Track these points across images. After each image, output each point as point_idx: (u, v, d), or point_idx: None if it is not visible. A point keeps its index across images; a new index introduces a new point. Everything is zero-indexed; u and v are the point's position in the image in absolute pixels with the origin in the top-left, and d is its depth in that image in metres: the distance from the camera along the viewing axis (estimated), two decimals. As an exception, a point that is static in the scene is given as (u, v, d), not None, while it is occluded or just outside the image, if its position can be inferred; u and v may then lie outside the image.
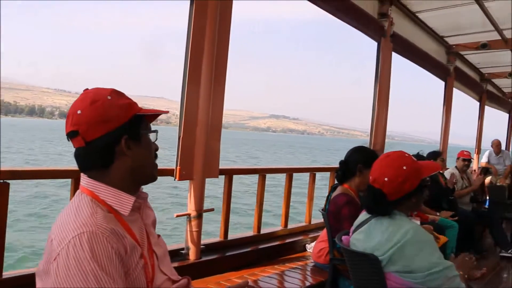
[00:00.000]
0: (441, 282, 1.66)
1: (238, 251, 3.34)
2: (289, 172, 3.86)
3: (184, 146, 2.82)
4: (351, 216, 2.53)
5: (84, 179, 1.27)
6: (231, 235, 3.47)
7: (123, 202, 1.25)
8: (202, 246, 3.05)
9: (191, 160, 2.86)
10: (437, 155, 5.58)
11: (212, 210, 3.20)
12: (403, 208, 1.81)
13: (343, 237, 1.99)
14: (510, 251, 5.70)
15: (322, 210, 2.89)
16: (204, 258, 3.02)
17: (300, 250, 3.82)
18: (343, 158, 2.86)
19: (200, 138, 2.86)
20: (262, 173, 3.59)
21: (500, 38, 6.03)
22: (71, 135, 1.23)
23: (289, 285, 3.03)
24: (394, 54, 5.07)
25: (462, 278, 1.86)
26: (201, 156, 2.87)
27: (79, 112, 1.22)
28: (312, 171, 4.15)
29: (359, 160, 2.75)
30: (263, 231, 3.76)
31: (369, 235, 1.81)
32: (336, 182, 2.93)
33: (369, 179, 1.85)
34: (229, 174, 3.32)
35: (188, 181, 2.93)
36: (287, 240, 3.80)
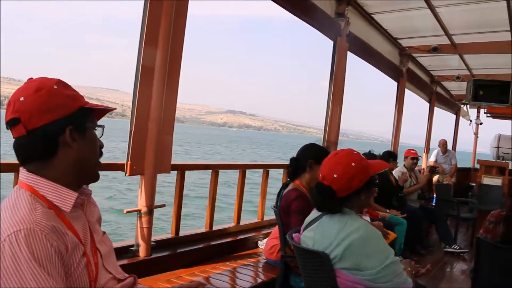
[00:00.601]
0: (390, 278, 1.70)
1: (189, 247, 3.29)
2: (242, 169, 3.85)
3: (136, 140, 2.75)
4: (300, 210, 2.56)
5: (23, 173, 1.21)
6: (183, 232, 3.42)
7: (64, 198, 1.19)
8: (152, 243, 2.98)
9: (142, 155, 2.79)
10: (390, 156, 5.75)
11: (163, 206, 3.14)
12: (353, 205, 1.84)
13: (294, 235, 2.00)
14: (453, 246, 5.94)
15: (274, 207, 2.89)
16: (154, 255, 2.96)
17: (252, 247, 3.82)
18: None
19: (152, 133, 2.80)
20: (215, 169, 3.56)
21: (449, 42, 6.25)
22: (11, 123, 1.16)
23: (241, 282, 3.02)
24: (350, 54, 5.17)
25: (409, 274, 1.91)
26: (152, 151, 2.80)
27: (21, 99, 1.15)
28: (266, 167, 4.15)
29: (310, 156, 2.77)
30: (216, 227, 3.73)
31: (319, 233, 1.83)
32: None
33: (319, 176, 1.87)
34: (181, 169, 3.26)
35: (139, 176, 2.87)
36: (240, 237, 3.78)
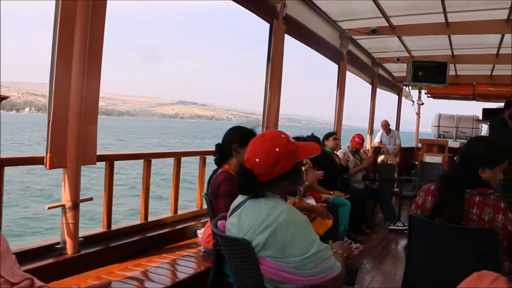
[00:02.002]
0: (316, 264, 1.63)
1: (123, 241, 3.13)
2: (177, 156, 3.71)
3: (55, 131, 2.55)
4: (227, 193, 2.48)
5: None
6: (116, 225, 3.25)
7: None
8: (80, 239, 2.81)
9: (63, 146, 2.60)
10: (330, 135, 5.78)
11: (90, 199, 2.97)
12: (276, 190, 1.74)
13: (219, 222, 1.90)
14: (397, 224, 6.07)
15: (205, 194, 2.78)
16: (83, 252, 2.79)
17: (192, 236, 3.70)
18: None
19: (72, 123, 2.61)
20: (147, 158, 3.40)
21: (388, 24, 6.32)
22: None
23: (178, 274, 2.91)
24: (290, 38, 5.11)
25: (341, 257, 1.86)
26: (74, 142, 2.62)
27: None
28: (202, 154, 4.03)
29: (234, 139, 2.67)
30: (152, 218, 3.58)
31: (243, 219, 1.73)
32: None
33: (247, 153, 1.76)
34: (110, 160, 3.09)
35: (61, 169, 2.68)
36: (178, 227, 3.64)
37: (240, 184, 1.74)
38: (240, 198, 1.82)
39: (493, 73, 9.59)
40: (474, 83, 10.47)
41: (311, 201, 4.48)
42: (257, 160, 1.68)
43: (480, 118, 9.88)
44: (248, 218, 1.70)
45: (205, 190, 2.85)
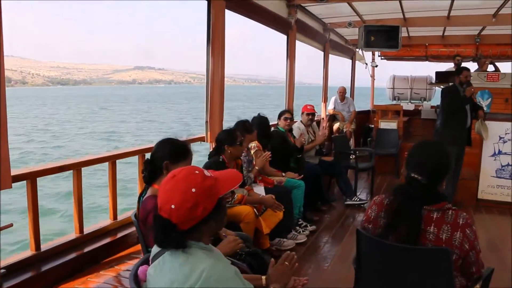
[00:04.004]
0: None
1: (57, 262, 2.87)
2: (112, 160, 3.39)
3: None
4: None
5: None
6: (46, 244, 2.96)
7: None
8: (2, 271, 2.52)
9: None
10: (282, 114, 5.55)
11: (10, 226, 2.64)
12: (201, 236, 1.51)
13: (140, 269, 1.66)
14: (354, 198, 6.02)
15: (135, 216, 2.47)
16: (7, 285, 2.51)
17: (137, 242, 3.44)
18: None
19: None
20: (75, 168, 3.08)
21: (337, -10, 6.07)
22: None
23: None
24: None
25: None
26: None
27: None
28: (141, 153, 3.69)
29: (164, 156, 2.35)
30: (89, 229, 3.29)
31: (161, 272, 1.49)
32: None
33: (159, 201, 1.50)
34: (30, 178, 2.77)
35: None
36: (119, 235, 3.39)
37: (157, 237, 1.49)
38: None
39: (445, 34, 9.55)
40: (427, 44, 10.45)
41: (261, 189, 4.31)
42: (172, 206, 1.44)
43: (433, 80, 9.86)
44: (168, 274, 1.47)
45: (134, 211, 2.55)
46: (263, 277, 1.94)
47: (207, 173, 1.52)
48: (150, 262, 1.63)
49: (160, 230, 1.47)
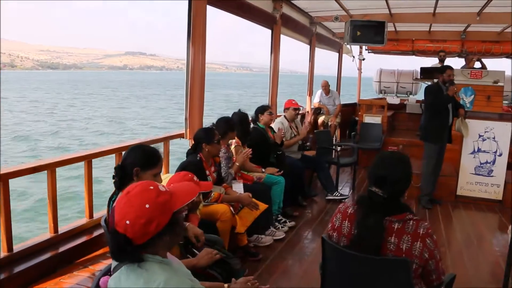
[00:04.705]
0: None
1: (30, 263, 2.87)
2: (88, 159, 3.39)
3: None
4: None
5: None
6: (18, 245, 2.95)
7: None
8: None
9: None
10: (264, 109, 5.55)
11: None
12: (157, 250, 1.54)
13: (102, 279, 1.68)
14: (335, 193, 6.08)
15: (104, 221, 2.49)
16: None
17: (112, 242, 3.45)
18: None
19: None
20: (50, 168, 3.07)
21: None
22: None
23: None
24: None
25: None
26: None
27: None
28: (118, 151, 3.68)
29: (135, 162, 2.38)
30: (64, 228, 3.30)
31: (120, 286, 1.52)
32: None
33: (115, 216, 1.52)
34: (3, 180, 2.76)
35: None
36: (95, 233, 3.40)
37: (113, 251, 1.52)
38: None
39: (432, 29, 9.58)
40: (413, 39, 10.49)
41: (240, 186, 4.34)
42: (127, 222, 1.47)
43: (419, 75, 9.92)
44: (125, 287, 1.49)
45: (105, 215, 2.55)
46: (226, 285, 1.98)
47: (161, 188, 1.55)
48: (111, 273, 1.66)
49: (116, 244, 1.49)
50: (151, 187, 1.53)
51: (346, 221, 2.15)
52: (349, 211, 2.16)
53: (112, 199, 2.42)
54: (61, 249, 3.12)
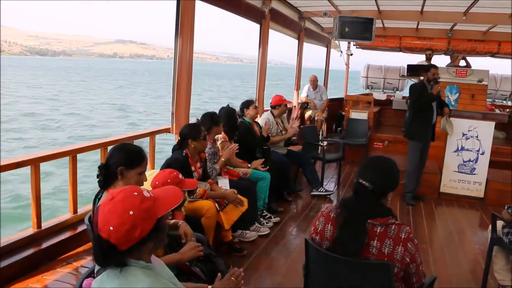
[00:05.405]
0: None
1: (13, 259, 2.84)
2: (72, 154, 3.36)
3: None
4: None
5: None
6: (3, 239, 2.93)
7: None
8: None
9: None
10: (249, 104, 5.55)
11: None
12: (141, 255, 1.55)
13: (85, 282, 1.68)
14: (320, 189, 6.12)
15: (89, 219, 2.47)
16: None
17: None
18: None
19: None
20: (34, 163, 3.03)
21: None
22: None
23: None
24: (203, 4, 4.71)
25: None
26: None
27: None
28: (103, 146, 3.66)
29: (119, 161, 2.36)
30: (47, 223, 3.27)
31: None
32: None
33: (99, 221, 1.52)
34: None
35: None
36: (80, 228, 3.38)
37: (96, 256, 1.52)
38: None
39: (419, 27, 9.65)
40: (401, 36, 10.55)
41: (226, 181, 4.35)
42: (111, 228, 1.47)
43: (406, 72, 9.99)
44: None
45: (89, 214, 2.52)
46: (209, 287, 2.00)
47: (146, 193, 1.55)
48: (95, 275, 1.67)
49: (99, 249, 1.50)
50: (135, 193, 1.53)
51: (329, 225, 2.18)
52: (332, 215, 2.19)
53: (98, 197, 2.41)
54: (44, 245, 3.10)
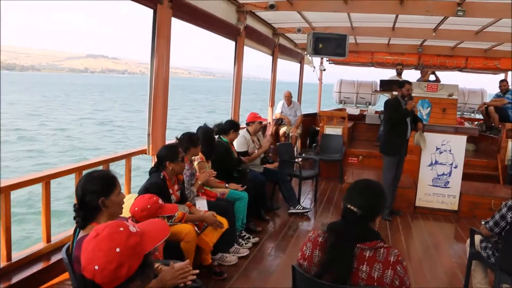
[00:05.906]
0: None
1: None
2: (46, 180, 3.20)
3: None
4: None
5: None
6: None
7: None
8: None
9: None
10: (237, 127, 5.53)
11: None
12: None
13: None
14: (297, 207, 6.09)
15: (66, 253, 2.32)
16: None
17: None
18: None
19: None
20: (4, 191, 2.87)
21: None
22: None
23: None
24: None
25: None
26: None
27: None
28: (79, 170, 3.54)
29: (97, 194, 2.20)
30: (18, 255, 3.09)
31: None
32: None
33: (82, 260, 1.43)
34: None
35: None
36: (53, 259, 3.19)
37: None
38: None
39: (390, 43, 9.87)
40: (373, 51, 10.74)
41: (203, 203, 4.26)
42: (96, 267, 1.39)
43: (378, 87, 10.17)
44: None
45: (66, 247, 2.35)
46: None
47: (132, 228, 1.48)
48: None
49: None
50: (121, 229, 1.46)
51: (317, 250, 2.14)
52: (319, 240, 2.15)
53: (77, 231, 2.26)
54: (15, 279, 2.90)
